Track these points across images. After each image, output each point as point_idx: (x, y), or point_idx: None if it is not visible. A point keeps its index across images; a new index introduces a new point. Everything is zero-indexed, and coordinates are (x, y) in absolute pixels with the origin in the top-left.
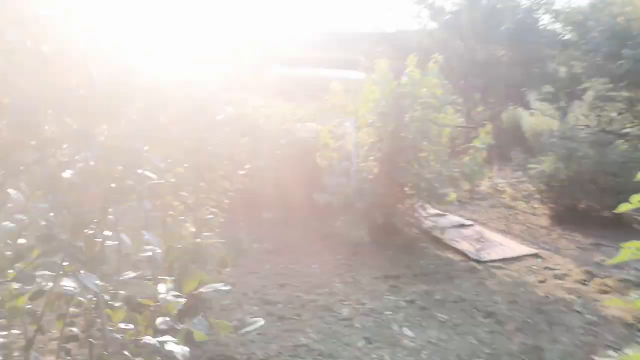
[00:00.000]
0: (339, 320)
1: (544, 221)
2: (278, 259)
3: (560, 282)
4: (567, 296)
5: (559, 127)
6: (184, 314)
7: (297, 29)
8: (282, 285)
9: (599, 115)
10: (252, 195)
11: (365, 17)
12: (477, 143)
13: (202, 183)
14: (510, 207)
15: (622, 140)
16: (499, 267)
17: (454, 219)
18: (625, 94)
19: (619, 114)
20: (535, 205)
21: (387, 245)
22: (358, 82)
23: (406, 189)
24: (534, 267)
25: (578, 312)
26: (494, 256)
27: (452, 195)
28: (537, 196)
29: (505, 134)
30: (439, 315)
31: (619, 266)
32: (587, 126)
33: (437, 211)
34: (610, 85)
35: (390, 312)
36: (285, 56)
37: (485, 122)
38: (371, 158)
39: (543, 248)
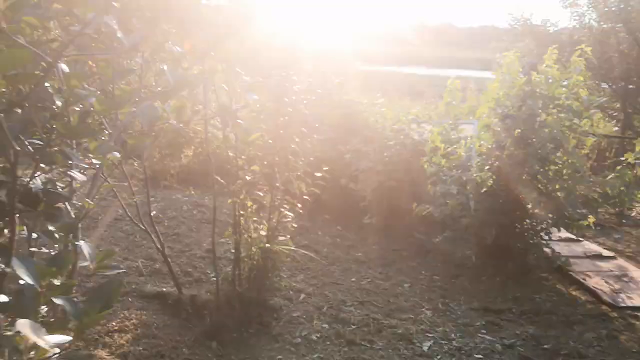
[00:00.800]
0: (416, 355)
1: None
2: (367, 271)
3: None
4: None
5: None
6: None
7: (434, 25)
8: (363, 302)
9: None
10: (355, 199)
11: (509, 9)
12: (629, 157)
13: (278, 184)
14: None
15: None
16: (635, 318)
17: (591, 247)
18: None
19: None
20: None
21: (497, 271)
22: (483, 81)
23: (529, 206)
24: None
25: None
26: (636, 302)
27: (590, 219)
28: None
29: None
30: None
31: None
32: None
33: (570, 235)
34: None
35: (482, 357)
36: (419, 55)
37: None
38: (487, 167)
39: None
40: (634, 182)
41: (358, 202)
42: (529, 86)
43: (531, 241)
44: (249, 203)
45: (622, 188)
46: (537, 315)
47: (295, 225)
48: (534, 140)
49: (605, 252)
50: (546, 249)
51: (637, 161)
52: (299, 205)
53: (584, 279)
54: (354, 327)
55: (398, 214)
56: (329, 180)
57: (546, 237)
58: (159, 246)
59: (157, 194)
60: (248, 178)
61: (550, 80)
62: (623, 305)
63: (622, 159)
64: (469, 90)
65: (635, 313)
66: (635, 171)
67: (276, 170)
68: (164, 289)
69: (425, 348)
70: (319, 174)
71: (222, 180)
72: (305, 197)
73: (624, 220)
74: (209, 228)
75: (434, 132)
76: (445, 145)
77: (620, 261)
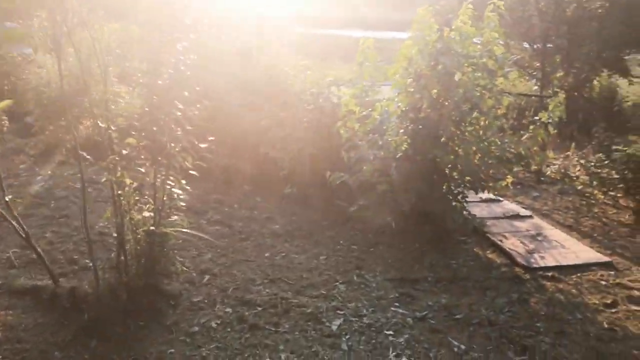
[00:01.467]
0: (324, 336)
1: (627, 218)
2: (283, 245)
3: (636, 308)
4: None
5: None
6: None
7: None
8: (273, 280)
9: None
10: (276, 168)
11: None
12: (543, 117)
13: (160, 157)
14: (585, 197)
15: None
16: (553, 279)
17: (510, 207)
18: None
19: None
20: (618, 196)
21: (416, 237)
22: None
23: (446, 170)
24: (601, 282)
25: None
26: (549, 262)
27: (507, 180)
28: (621, 185)
29: (593, 106)
30: (455, 342)
31: None
32: None
33: (491, 196)
34: None
35: (392, 332)
36: (360, 17)
37: (562, 90)
38: (402, 131)
39: (619, 255)
40: (548, 142)
41: (279, 171)
42: (441, 43)
43: (450, 205)
44: (128, 180)
45: (535, 148)
46: (452, 282)
47: (184, 204)
48: (449, 102)
49: (523, 212)
50: (464, 212)
51: (550, 120)
52: (184, 181)
53: (500, 241)
54: (259, 309)
55: (319, 183)
56: (248, 149)
57: (464, 200)
58: (22, 233)
59: (50, 170)
60: (125, 152)
61: (464, 38)
62: (536, 266)
63: (537, 118)
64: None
65: (546, 274)
66: (549, 130)
67: (157, 142)
68: (40, 282)
69: (334, 327)
70: (204, 145)
71: (88, 156)
72: (191, 172)
73: (542, 178)
74: (105, 208)
75: (347, 95)
76: (360, 109)
77: (537, 220)
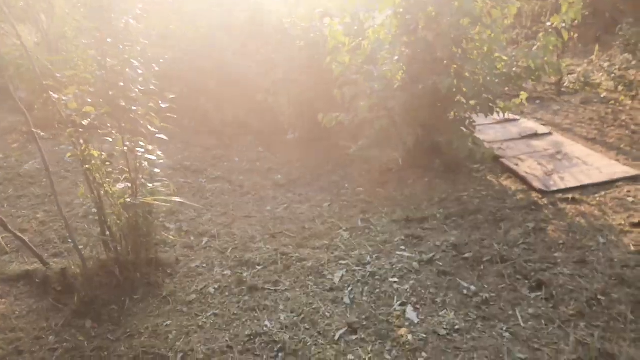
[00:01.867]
0: (325, 291)
1: None
2: (286, 195)
3: None
4: None
5: None
6: None
7: None
8: (274, 235)
9: None
10: (275, 114)
11: None
12: (555, 21)
13: (124, 123)
14: (611, 104)
15: None
16: (574, 201)
17: (528, 125)
18: None
19: None
20: None
21: (425, 171)
22: None
23: (450, 95)
24: (628, 198)
25: None
26: (570, 183)
27: (520, 97)
28: None
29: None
30: (464, 284)
31: None
32: None
33: (508, 115)
34: None
35: (397, 280)
36: None
37: None
38: (396, 58)
39: None
40: (563, 49)
41: (279, 117)
42: None
43: (457, 133)
44: (95, 152)
45: (546, 58)
46: (463, 217)
47: (158, 170)
48: (446, 18)
49: (541, 129)
50: (482, 135)
51: (563, 25)
52: (151, 147)
53: (516, 165)
54: (259, 268)
55: (322, 125)
56: (246, 97)
57: (472, 126)
58: None
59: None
60: (85, 123)
61: None
62: (554, 189)
63: (549, 24)
64: None
65: (566, 196)
66: (562, 36)
67: (117, 107)
68: (31, 267)
69: (336, 280)
70: (164, 105)
71: (42, 133)
72: (160, 135)
73: (562, 89)
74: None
75: (333, 26)
76: (351, 39)
77: (556, 136)
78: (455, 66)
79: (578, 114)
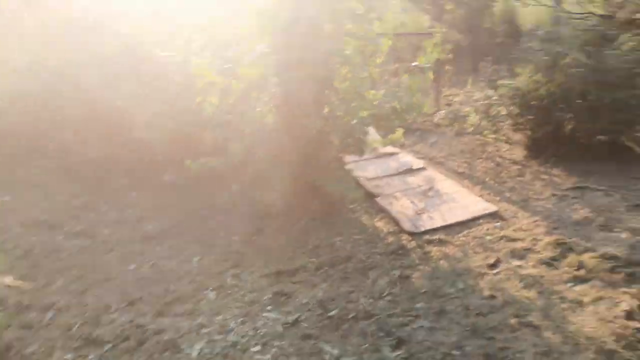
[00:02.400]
0: None
1: (519, 153)
2: (155, 249)
3: (518, 264)
4: (523, 294)
5: (546, 23)
6: None
7: None
8: (132, 303)
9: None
10: (152, 153)
11: None
12: (420, 61)
13: None
14: (480, 137)
15: (629, 35)
16: (439, 242)
17: (405, 160)
18: None
19: None
20: (510, 133)
21: (305, 214)
22: None
23: (321, 136)
24: (488, 236)
25: (534, 327)
26: (437, 222)
27: (397, 132)
28: (509, 121)
29: (493, 35)
30: (327, 348)
31: (606, 225)
32: (592, 14)
33: (387, 150)
34: None
35: (259, 349)
36: None
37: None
38: (266, 99)
39: (508, 199)
40: (425, 89)
41: (157, 157)
42: None
43: (332, 174)
44: None
45: (414, 97)
46: (334, 266)
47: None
48: (315, 58)
49: (417, 164)
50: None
51: (428, 64)
52: None
53: (390, 204)
54: (108, 347)
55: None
56: (118, 134)
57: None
58: None
59: None
60: None
61: None
62: (423, 229)
63: (414, 64)
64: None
65: (433, 237)
66: (428, 75)
67: None
68: None
69: (194, 354)
70: None
71: None
72: None
73: (439, 121)
74: None
75: (202, 64)
76: (225, 78)
77: (430, 171)
78: (326, 107)
79: (452, 146)
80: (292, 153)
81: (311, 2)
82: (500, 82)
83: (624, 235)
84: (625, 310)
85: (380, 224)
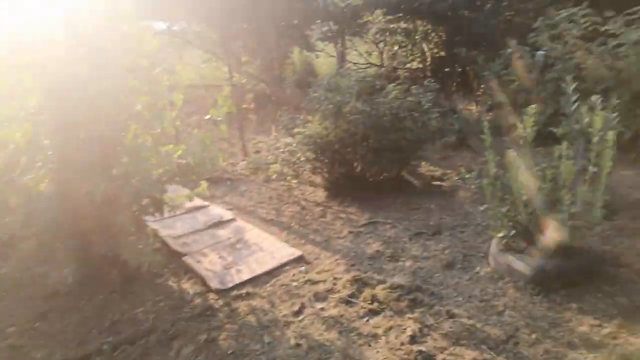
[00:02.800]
0: None
1: (321, 195)
2: None
3: (321, 306)
4: (325, 337)
5: (329, 74)
6: None
7: None
8: None
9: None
10: None
11: None
12: (213, 114)
13: None
14: (285, 182)
15: (393, 85)
16: (247, 296)
17: (215, 212)
18: (403, 24)
19: (400, 47)
20: (311, 177)
21: (101, 286)
22: None
23: (113, 200)
24: (294, 282)
25: None
26: (245, 275)
27: (202, 185)
28: (309, 166)
29: (293, 85)
30: None
31: (394, 256)
32: (371, 64)
33: (197, 203)
34: (391, 17)
35: None
36: None
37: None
38: (39, 164)
39: (312, 241)
40: (220, 141)
41: None
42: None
43: (126, 241)
44: None
45: (205, 151)
46: (134, 342)
47: None
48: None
49: (227, 215)
50: (165, 230)
51: (220, 118)
52: None
53: (198, 262)
54: None
55: None
56: None
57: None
58: None
59: None
60: None
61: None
62: (231, 285)
63: (207, 116)
64: None
65: (241, 291)
66: (220, 128)
67: None
68: None
69: None
70: None
71: None
72: None
73: (247, 169)
74: None
75: None
76: None
77: (240, 222)
78: (115, 168)
79: (261, 193)
80: (81, 221)
81: (87, 56)
82: (296, 130)
83: (408, 263)
84: (409, 336)
85: (187, 285)
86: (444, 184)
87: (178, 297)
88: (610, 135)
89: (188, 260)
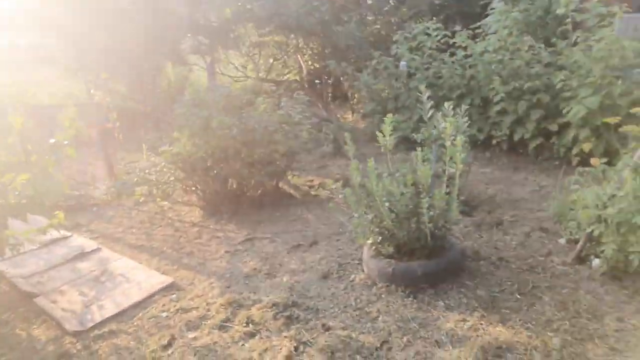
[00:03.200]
0: None
1: (197, 215)
2: None
3: (193, 336)
4: None
5: (196, 89)
6: None
7: None
8: None
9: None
10: None
11: None
12: (58, 139)
13: None
14: (157, 204)
15: (261, 98)
16: (110, 335)
17: (77, 243)
18: (276, 38)
19: (275, 59)
20: (185, 197)
21: None
22: None
23: None
24: (164, 313)
25: None
26: (108, 311)
27: (59, 216)
28: (179, 185)
29: (165, 101)
30: None
31: (271, 273)
32: (248, 77)
33: (57, 234)
34: (263, 31)
35: None
36: None
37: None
38: None
39: (186, 266)
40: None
41: None
42: None
43: None
44: None
45: (49, 180)
46: None
47: None
48: None
49: (90, 246)
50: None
51: (67, 142)
52: None
53: (54, 302)
54: None
55: None
56: None
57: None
58: None
59: None
60: None
61: None
62: (91, 324)
63: (52, 140)
64: None
65: (103, 330)
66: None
67: None
68: None
69: None
70: None
71: None
72: None
73: (108, 195)
74: None
75: None
76: None
77: (105, 251)
78: None
79: (131, 217)
80: None
81: None
82: (162, 148)
83: (285, 278)
84: (285, 356)
85: (39, 331)
86: (320, 193)
87: (27, 347)
88: (459, 139)
89: (41, 301)
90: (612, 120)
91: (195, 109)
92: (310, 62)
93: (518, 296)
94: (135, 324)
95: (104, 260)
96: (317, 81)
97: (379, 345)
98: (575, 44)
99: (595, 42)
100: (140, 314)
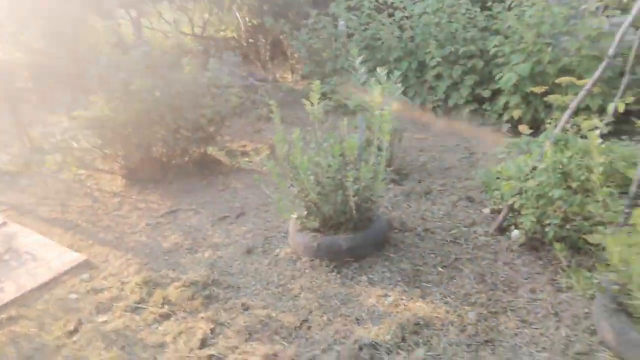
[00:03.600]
0: None
1: (118, 184)
2: None
3: (104, 319)
4: (103, 358)
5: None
6: None
7: None
8: None
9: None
10: None
11: None
12: None
13: None
14: (76, 172)
15: (187, 59)
16: (9, 321)
17: None
18: None
19: (211, 14)
20: (104, 165)
21: None
22: None
23: None
24: (72, 295)
25: None
26: (9, 295)
27: None
28: (100, 152)
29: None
30: None
31: (192, 247)
32: (183, 33)
33: None
34: None
35: None
36: None
37: None
38: None
39: (102, 241)
40: None
41: None
42: None
43: None
44: None
45: None
46: None
47: None
48: None
49: None
50: None
51: None
52: None
53: None
54: None
55: None
56: None
57: None
58: None
59: None
60: None
61: None
62: None
63: None
64: None
65: (3, 315)
66: None
67: None
68: None
69: None
70: None
71: None
72: None
73: (22, 161)
74: None
75: None
76: None
77: (12, 225)
78: None
79: (47, 186)
80: None
81: None
82: (76, 113)
83: (207, 254)
84: (200, 339)
85: None
86: (252, 159)
87: None
88: (387, 108)
89: None
90: (539, 89)
91: (113, 70)
92: (247, 19)
93: (440, 269)
94: (39, 308)
95: (10, 236)
96: (251, 40)
97: (298, 324)
98: (510, 8)
99: (528, 7)
100: (46, 297)
